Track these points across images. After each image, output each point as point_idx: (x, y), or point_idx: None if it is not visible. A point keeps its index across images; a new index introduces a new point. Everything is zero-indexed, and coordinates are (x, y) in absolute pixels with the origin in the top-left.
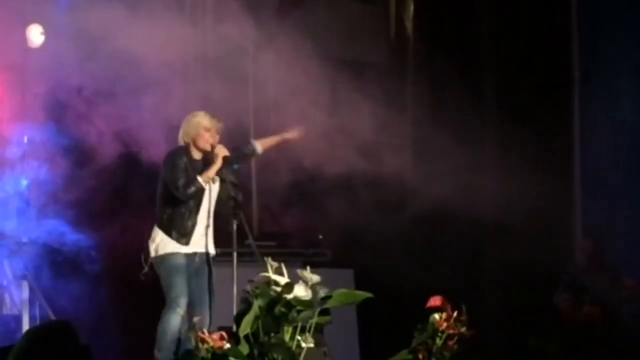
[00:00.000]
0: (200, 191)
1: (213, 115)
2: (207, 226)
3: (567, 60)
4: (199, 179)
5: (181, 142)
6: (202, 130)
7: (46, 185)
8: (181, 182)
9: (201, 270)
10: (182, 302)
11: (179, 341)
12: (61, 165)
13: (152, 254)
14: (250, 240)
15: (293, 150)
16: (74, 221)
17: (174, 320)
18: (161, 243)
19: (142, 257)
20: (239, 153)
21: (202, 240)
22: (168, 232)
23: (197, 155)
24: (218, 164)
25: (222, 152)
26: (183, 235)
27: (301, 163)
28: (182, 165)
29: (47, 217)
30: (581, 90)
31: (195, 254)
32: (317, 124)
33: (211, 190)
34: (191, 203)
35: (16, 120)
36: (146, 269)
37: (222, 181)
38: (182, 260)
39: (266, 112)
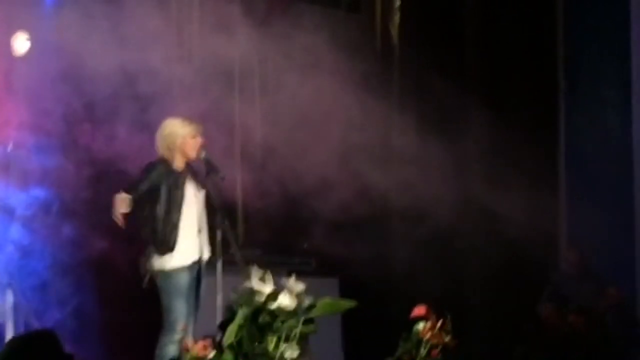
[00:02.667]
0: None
1: (192, 121)
2: (200, 230)
3: (552, 70)
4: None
5: (162, 151)
6: (189, 138)
7: (39, 194)
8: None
9: (197, 278)
10: (180, 326)
11: None
12: (54, 175)
13: (157, 267)
14: (234, 249)
15: (280, 158)
16: (65, 229)
17: (171, 345)
18: (162, 258)
19: (141, 269)
20: (212, 166)
21: (196, 246)
22: (154, 242)
23: (179, 164)
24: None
25: (190, 151)
26: (165, 241)
27: (286, 172)
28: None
29: (36, 224)
30: (567, 99)
31: (194, 263)
32: (301, 132)
33: (197, 197)
34: (171, 210)
35: (4, 128)
36: (146, 279)
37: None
38: (185, 279)
39: (253, 122)
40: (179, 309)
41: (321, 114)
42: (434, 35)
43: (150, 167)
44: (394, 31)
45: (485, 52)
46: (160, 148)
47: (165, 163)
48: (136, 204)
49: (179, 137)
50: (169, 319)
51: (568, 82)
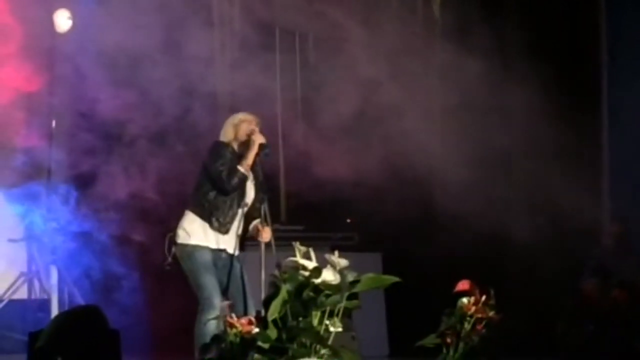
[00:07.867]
0: (243, 180)
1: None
2: (240, 216)
3: (594, 43)
4: (240, 168)
5: (227, 139)
6: (239, 122)
7: (75, 172)
8: (224, 173)
9: (231, 260)
10: (216, 301)
11: None
12: (88, 151)
13: (180, 240)
14: (276, 225)
15: (322, 136)
16: (104, 209)
17: (210, 321)
18: (193, 231)
19: (166, 247)
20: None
21: (233, 235)
22: (208, 219)
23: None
24: (254, 149)
25: (258, 138)
26: (223, 224)
27: (327, 147)
28: (228, 156)
29: (76, 204)
30: (609, 73)
31: (222, 250)
32: (342, 110)
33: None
34: (235, 193)
35: (44, 103)
36: (169, 259)
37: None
38: (208, 257)
39: (294, 97)
40: (210, 284)
41: (362, 88)
42: (475, 13)
43: (222, 145)
44: (436, 5)
45: (526, 27)
46: (226, 135)
47: (231, 147)
48: (201, 181)
49: (235, 124)
50: (203, 296)
51: (610, 56)
